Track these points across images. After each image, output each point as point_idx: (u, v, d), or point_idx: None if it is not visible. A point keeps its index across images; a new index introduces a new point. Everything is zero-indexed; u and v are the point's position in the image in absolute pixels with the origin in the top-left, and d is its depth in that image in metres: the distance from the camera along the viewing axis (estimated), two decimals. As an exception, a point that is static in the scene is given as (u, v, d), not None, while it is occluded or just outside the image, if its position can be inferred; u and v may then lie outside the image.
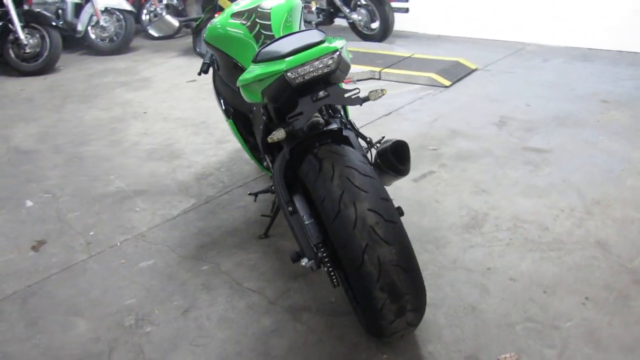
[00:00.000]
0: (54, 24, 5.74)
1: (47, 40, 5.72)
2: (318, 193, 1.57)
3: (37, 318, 2.10)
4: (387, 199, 1.55)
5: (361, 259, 1.48)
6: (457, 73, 4.66)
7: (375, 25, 5.97)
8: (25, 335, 2.01)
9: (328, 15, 6.25)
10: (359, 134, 2.02)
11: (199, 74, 2.55)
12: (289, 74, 1.44)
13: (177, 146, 3.66)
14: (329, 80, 1.55)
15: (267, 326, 1.97)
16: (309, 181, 1.62)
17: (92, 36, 6.46)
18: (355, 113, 3.93)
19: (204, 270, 2.32)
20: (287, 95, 1.53)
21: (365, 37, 6.09)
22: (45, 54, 5.73)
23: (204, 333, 1.96)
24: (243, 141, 2.48)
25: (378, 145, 1.91)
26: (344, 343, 1.86)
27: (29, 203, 3.01)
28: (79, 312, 2.11)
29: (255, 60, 1.58)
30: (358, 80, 4.76)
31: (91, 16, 6.36)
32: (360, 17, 6.00)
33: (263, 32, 2.11)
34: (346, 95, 1.60)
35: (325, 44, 1.48)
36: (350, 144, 1.86)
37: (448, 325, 1.91)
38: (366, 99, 1.62)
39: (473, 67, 4.86)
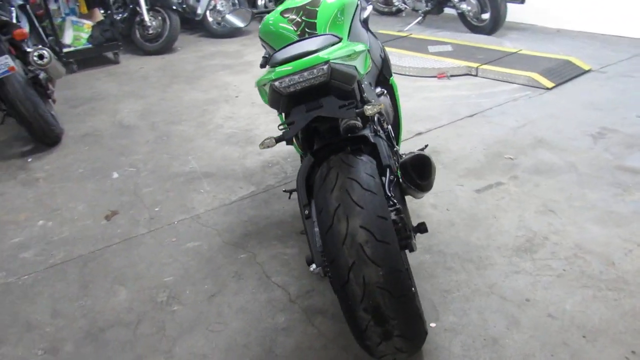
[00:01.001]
0: (174, 7, 6.20)
1: (168, 22, 6.21)
2: (318, 202, 1.54)
3: (90, 282, 2.34)
4: (384, 218, 1.47)
5: (347, 276, 1.43)
6: (564, 74, 4.21)
7: (486, 16, 5.59)
8: (76, 295, 2.26)
9: (436, 3, 5.99)
10: (390, 143, 1.93)
11: (261, 67, 2.61)
12: (276, 83, 1.42)
13: (255, 132, 3.79)
14: (326, 90, 1.50)
15: (280, 323, 2.00)
16: (315, 189, 1.60)
17: (210, 19, 6.88)
18: (436, 112, 3.77)
19: (240, 258, 2.40)
20: (284, 102, 1.51)
21: (474, 29, 5.75)
22: (165, 35, 6.23)
23: (221, 320, 2.05)
24: (291, 137, 2.49)
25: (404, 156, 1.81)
26: (347, 354, 1.83)
27: (115, 175, 3.34)
28: (123, 282, 2.32)
29: (268, 64, 1.58)
30: (452, 76, 4.52)
31: (210, 0, 6.77)
32: (469, 7, 5.66)
33: (307, 30, 2.09)
34: (340, 106, 1.53)
35: (318, 54, 1.42)
36: (377, 152, 1.79)
37: (461, 355, 1.78)
38: (361, 113, 1.54)
39: (586, 67, 4.36)
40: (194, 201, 2.94)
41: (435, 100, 4.05)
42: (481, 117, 3.65)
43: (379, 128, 1.91)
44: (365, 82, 2.15)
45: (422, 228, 1.86)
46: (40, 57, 3.48)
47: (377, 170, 1.62)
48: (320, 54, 1.42)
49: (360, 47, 1.61)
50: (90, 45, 5.83)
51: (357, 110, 1.49)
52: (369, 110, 1.49)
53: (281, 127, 1.49)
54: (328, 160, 1.65)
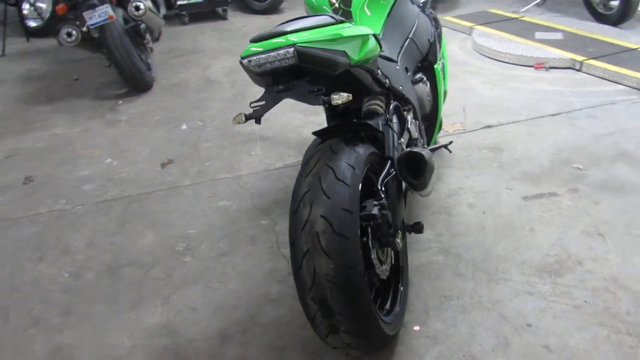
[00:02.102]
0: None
1: (277, -17, 6.32)
2: (294, 186, 1.54)
3: (127, 221, 2.58)
4: (349, 211, 1.43)
5: (300, 262, 1.43)
6: (685, 80, 3.62)
7: (615, 3, 4.94)
8: (112, 232, 2.51)
9: (561, -15, 5.40)
10: (399, 133, 1.84)
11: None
12: (244, 61, 1.41)
13: (324, 103, 3.79)
14: (302, 72, 1.45)
15: (271, 294, 2.05)
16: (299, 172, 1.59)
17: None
18: (517, 105, 3.49)
19: (261, 224, 2.48)
20: (262, 80, 1.50)
21: (598, 17, 5.10)
22: (273, -5, 6.36)
23: (221, 279, 2.15)
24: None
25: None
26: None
27: (184, 126, 3.57)
28: (154, 227, 2.52)
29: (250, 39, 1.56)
30: (551, 68, 4.10)
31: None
32: (597, -8, 5.03)
33: (342, 7, 2.03)
34: (309, 92, 1.47)
35: (287, 36, 1.37)
36: (382, 140, 1.74)
37: (433, 365, 1.70)
38: (328, 101, 1.46)
39: None
40: (241, 162, 3.06)
41: (522, 92, 3.72)
42: (565, 118, 3.30)
43: (392, 117, 1.83)
44: (397, 67, 2.06)
45: (417, 228, 1.79)
46: (137, 8, 3.77)
47: (364, 162, 1.56)
48: (291, 35, 1.38)
49: (355, 30, 1.53)
50: (201, 0, 6.15)
51: (324, 98, 1.44)
52: (334, 99, 1.43)
53: (253, 104, 1.49)
54: (321, 144, 1.63)
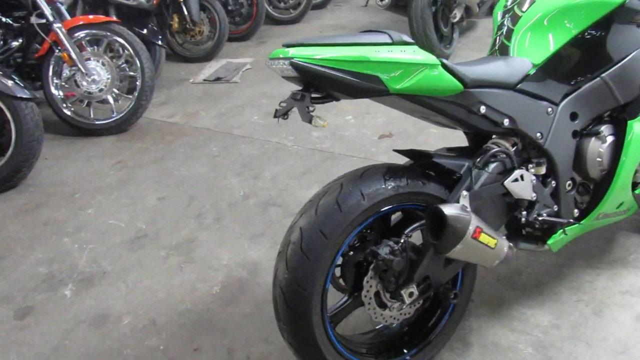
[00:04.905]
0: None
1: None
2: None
3: (309, 172, 2.94)
4: (325, 236, 1.38)
5: (277, 258, 1.50)
6: None
7: None
8: (293, 175, 2.92)
9: None
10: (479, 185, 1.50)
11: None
12: (267, 63, 1.38)
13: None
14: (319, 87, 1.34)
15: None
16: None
17: None
18: None
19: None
20: (293, 83, 1.44)
21: None
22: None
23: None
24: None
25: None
26: None
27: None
28: (320, 185, 2.74)
29: None
30: None
31: None
32: None
33: (507, 24, 1.69)
34: (306, 107, 1.32)
35: (287, 50, 1.25)
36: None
37: None
38: (309, 121, 1.29)
39: None
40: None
41: None
42: None
43: (484, 163, 1.54)
44: (551, 109, 1.64)
45: (445, 294, 1.55)
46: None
47: (390, 198, 1.44)
48: (303, 49, 1.29)
49: (401, 56, 1.31)
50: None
51: (312, 118, 1.33)
52: (314, 123, 1.32)
53: (281, 103, 1.49)
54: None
